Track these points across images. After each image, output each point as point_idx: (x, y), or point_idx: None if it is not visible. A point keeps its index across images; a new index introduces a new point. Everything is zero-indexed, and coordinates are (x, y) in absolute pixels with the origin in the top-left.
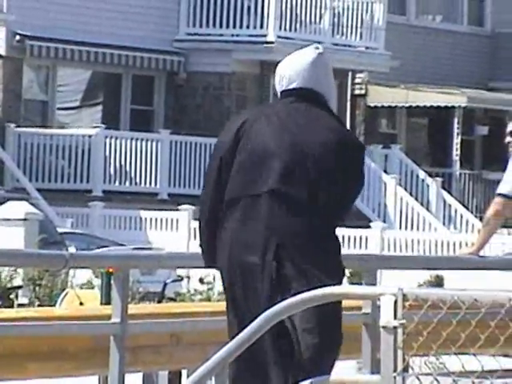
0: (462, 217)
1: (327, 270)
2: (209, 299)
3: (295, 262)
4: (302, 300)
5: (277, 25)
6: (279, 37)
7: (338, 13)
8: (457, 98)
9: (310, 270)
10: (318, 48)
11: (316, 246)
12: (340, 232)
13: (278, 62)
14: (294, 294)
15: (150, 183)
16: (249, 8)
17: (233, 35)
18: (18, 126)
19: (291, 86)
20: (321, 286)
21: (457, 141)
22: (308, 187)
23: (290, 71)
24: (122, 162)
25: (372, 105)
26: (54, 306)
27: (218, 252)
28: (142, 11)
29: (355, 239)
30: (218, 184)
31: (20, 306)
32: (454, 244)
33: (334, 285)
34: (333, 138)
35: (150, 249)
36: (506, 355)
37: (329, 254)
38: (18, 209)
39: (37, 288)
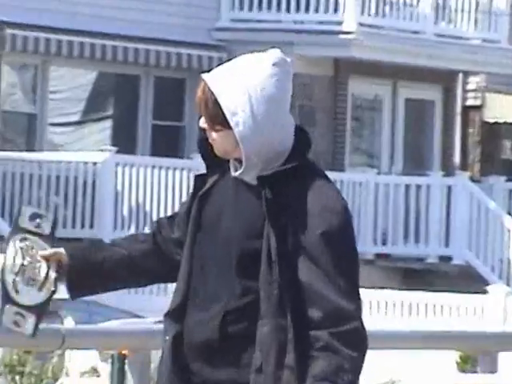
0: None
1: None
2: None
3: None
4: None
5: (358, 8)
6: (361, 24)
7: None
8: None
9: None
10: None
11: None
12: (446, 299)
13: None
14: None
15: None
16: None
17: (296, 22)
18: None
19: None
20: None
21: None
22: None
23: None
24: (140, 200)
25: (491, 120)
26: None
27: None
28: None
29: (467, 309)
30: None
31: None
32: None
33: None
34: None
35: None
36: None
37: None
38: None
39: (17, 377)
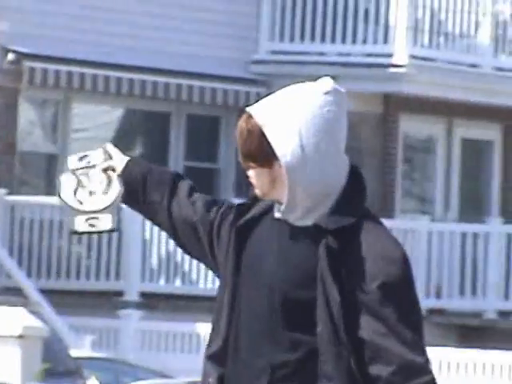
0: None
1: None
2: None
3: None
4: None
5: (409, 39)
6: (413, 57)
7: (504, 21)
8: None
9: None
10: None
11: None
12: (506, 359)
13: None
14: None
15: (213, 281)
16: (366, 13)
17: (341, 54)
18: (11, 193)
19: None
20: None
21: None
22: None
23: None
24: (171, 249)
25: None
26: None
27: None
28: (200, 18)
29: None
30: None
31: None
32: None
33: None
34: None
35: None
36: None
37: None
38: (10, 320)
39: None
